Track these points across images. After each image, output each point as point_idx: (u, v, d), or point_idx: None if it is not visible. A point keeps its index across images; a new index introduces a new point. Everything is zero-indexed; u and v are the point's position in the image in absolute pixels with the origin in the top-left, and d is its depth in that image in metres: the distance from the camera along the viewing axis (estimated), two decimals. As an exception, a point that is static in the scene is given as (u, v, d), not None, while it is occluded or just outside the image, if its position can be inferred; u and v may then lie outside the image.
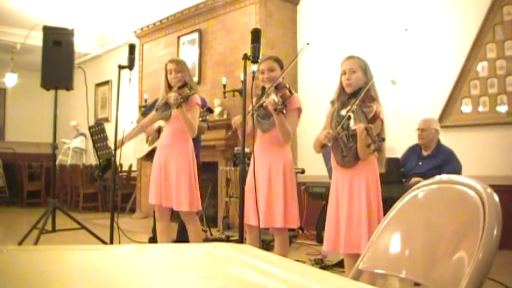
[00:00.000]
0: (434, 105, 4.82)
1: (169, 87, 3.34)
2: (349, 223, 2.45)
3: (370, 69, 2.59)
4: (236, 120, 2.94)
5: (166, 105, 3.32)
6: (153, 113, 3.50)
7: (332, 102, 2.65)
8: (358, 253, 2.17)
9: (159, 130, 4.29)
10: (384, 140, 2.33)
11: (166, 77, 3.36)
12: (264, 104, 2.76)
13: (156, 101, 4.56)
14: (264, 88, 2.94)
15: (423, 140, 3.98)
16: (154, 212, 4.76)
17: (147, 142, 4.43)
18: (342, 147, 2.51)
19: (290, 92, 2.87)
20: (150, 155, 4.48)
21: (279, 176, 2.85)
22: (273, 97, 2.69)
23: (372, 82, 2.51)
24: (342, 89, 2.59)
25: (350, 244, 2.42)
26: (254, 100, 2.80)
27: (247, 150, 3.09)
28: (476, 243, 0.92)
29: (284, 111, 2.69)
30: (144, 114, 4.46)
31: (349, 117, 2.44)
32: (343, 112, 2.50)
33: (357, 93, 2.48)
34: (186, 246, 1.52)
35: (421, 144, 4.03)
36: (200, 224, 3.61)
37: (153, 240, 4.48)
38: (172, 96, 3.15)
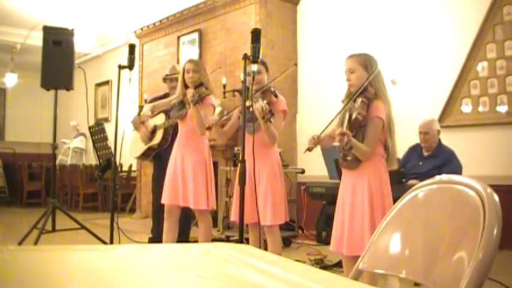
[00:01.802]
0: (434, 105, 4.82)
1: (185, 86, 3.40)
2: (350, 225, 2.45)
3: (372, 65, 2.49)
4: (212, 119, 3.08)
5: (182, 104, 3.35)
6: (166, 101, 3.55)
7: (343, 102, 2.64)
8: (359, 255, 2.18)
9: (153, 131, 4.28)
10: (351, 148, 2.32)
11: (183, 77, 3.40)
12: (251, 109, 2.80)
13: (156, 97, 4.56)
14: (247, 89, 2.95)
15: (427, 143, 3.98)
16: (152, 212, 4.76)
17: (142, 141, 4.43)
18: (345, 148, 2.49)
19: (275, 96, 2.97)
20: (145, 154, 4.47)
21: (268, 176, 2.95)
22: (261, 104, 2.76)
23: (368, 81, 2.44)
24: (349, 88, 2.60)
25: (352, 246, 2.41)
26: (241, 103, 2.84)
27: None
28: (476, 243, 0.92)
29: (272, 119, 2.81)
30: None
31: (350, 118, 2.43)
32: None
33: (362, 92, 2.44)
34: (186, 246, 1.52)
35: (424, 147, 4.03)
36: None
37: (152, 240, 4.48)
38: (190, 92, 3.24)
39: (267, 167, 2.98)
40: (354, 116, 2.37)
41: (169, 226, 3.45)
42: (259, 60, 2.94)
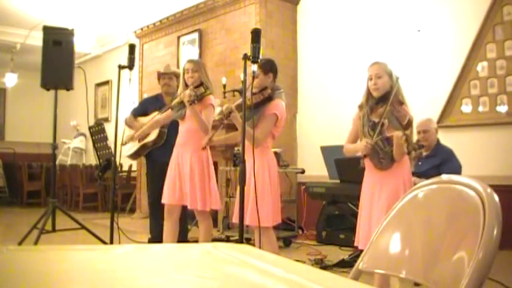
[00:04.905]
0: (434, 105, 4.82)
1: (186, 86, 3.39)
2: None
3: (394, 73, 2.67)
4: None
5: (181, 104, 3.35)
6: (169, 111, 3.53)
7: (360, 107, 2.72)
8: None
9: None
10: (423, 146, 2.40)
11: (184, 77, 3.40)
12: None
13: (144, 100, 4.53)
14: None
15: (427, 142, 3.98)
16: (149, 212, 4.72)
17: (137, 139, 4.33)
18: (379, 151, 2.58)
19: (268, 99, 2.95)
20: (137, 153, 4.35)
21: (255, 177, 2.90)
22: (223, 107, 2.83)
23: (397, 85, 2.59)
24: (369, 93, 2.68)
25: None
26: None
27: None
28: (476, 243, 0.92)
29: (231, 120, 2.88)
30: (134, 113, 4.37)
31: (383, 124, 2.53)
32: (374, 118, 2.59)
33: (384, 98, 2.58)
34: (186, 246, 1.52)
35: (424, 146, 4.03)
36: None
37: (152, 241, 4.46)
38: (187, 93, 3.20)
39: (256, 168, 2.93)
40: (407, 119, 2.51)
41: (170, 226, 3.44)
42: (260, 63, 2.94)
